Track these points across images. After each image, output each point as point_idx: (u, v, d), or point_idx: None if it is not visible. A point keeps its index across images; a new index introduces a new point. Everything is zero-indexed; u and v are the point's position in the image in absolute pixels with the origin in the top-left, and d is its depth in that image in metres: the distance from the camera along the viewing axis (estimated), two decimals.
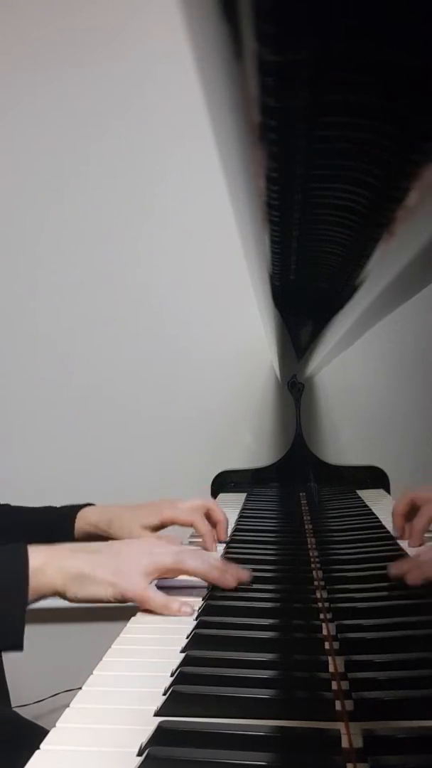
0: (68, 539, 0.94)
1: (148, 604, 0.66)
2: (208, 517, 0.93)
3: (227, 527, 0.96)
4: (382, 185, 0.28)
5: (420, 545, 0.86)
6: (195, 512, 0.91)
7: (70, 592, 0.66)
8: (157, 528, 0.92)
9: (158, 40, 1.51)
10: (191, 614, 0.65)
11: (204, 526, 0.91)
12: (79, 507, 0.97)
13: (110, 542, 0.75)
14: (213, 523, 0.93)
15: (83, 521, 0.95)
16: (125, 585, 0.65)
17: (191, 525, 0.92)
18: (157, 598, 0.66)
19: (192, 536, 0.95)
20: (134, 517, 0.92)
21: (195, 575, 0.69)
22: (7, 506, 1.02)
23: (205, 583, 0.72)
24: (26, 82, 1.62)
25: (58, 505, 0.99)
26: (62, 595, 0.66)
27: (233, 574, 0.69)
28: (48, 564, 0.65)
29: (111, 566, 0.66)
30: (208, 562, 0.69)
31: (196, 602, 0.67)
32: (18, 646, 0.62)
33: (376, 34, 0.19)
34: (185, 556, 0.69)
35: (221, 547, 0.90)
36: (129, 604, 0.67)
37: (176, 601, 0.66)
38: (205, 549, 0.90)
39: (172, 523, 0.92)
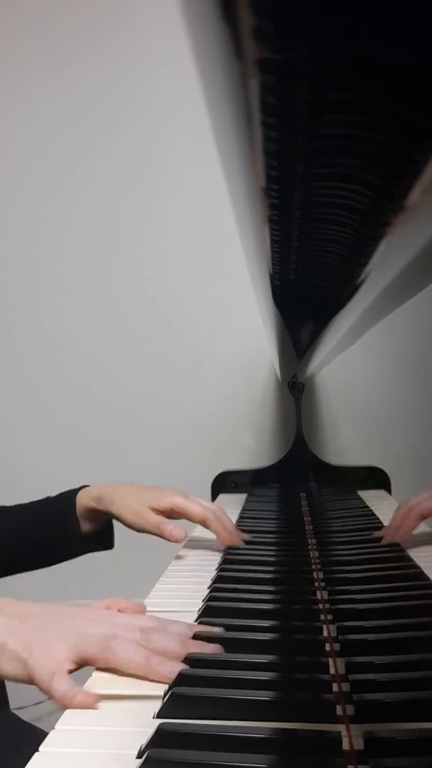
0: (72, 521, 0.94)
1: (49, 694, 0.51)
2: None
3: (238, 534, 0.92)
4: (383, 184, 0.28)
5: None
6: (208, 510, 0.89)
7: None
8: (165, 514, 0.90)
9: (158, 39, 1.51)
10: (91, 707, 0.49)
11: (218, 524, 0.88)
12: (76, 491, 0.97)
13: (45, 608, 0.59)
14: (224, 529, 0.90)
15: (85, 497, 0.95)
16: (35, 665, 0.52)
17: (203, 522, 0.89)
18: (59, 686, 0.50)
19: (192, 539, 0.95)
20: (140, 497, 0.91)
21: (123, 670, 0.52)
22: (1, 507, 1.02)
23: (204, 587, 0.72)
24: (26, 80, 1.62)
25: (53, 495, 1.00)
26: None
27: (172, 664, 0.52)
28: None
29: (28, 639, 0.54)
30: (148, 651, 0.53)
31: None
32: None
33: (377, 33, 0.19)
34: (117, 644, 0.53)
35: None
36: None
37: (81, 693, 0.49)
38: (221, 543, 0.89)
39: (182, 513, 0.89)
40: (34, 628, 0.55)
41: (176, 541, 0.89)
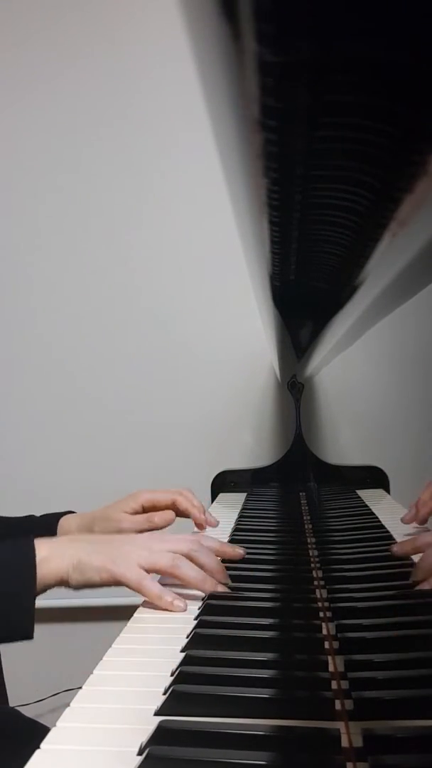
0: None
1: (142, 592, 0.67)
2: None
3: (205, 512, 0.99)
4: (382, 185, 0.28)
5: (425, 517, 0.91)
6: (173, 493, 0.95)
7: (72, 579, 0.68)
8: (139, 512, 0.94)
9: (158, 39, 1.51)
10: (183, 610, 0.66)
11: (185, 501, 0.95)
12: (60, 514, 0.97)
13: (112, 535, 0.77)
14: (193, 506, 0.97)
15: (66, 527, 0.96)
16: (121, 570, 0.67)
17: (172, 504, 0.95)
18: (152, 587, 0.67)
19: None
20: (115, 508, 0.95)
21: (186, 584, 0.69)
22: None
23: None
24: (26, 78, 1.62)
25: (39, 515, 1.00)
26: (66, 583, 0.69)
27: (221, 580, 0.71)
28: (51, 554, 0.68)
29: (107, 553, 0.68)
30: (203, 572, 0.70)
31: (195, 603, 0.67)
32: (28, 635, 0.65)
33: (377, 34, 0.19)
34: (182, 563, 0.69)
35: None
36: (129, 601, 0.69)
37: (170, 594, 0.67)
38: (197, 522, 0.96)
39: (152, 503, 0.95)
40: (110, 545, 0.70)
41: (166, 524, 0.94)
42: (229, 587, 0.71)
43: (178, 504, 0.95)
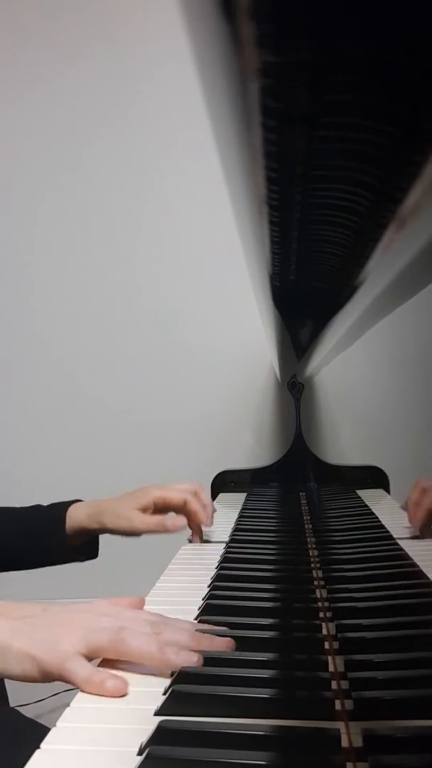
0: (61, 536, 0.95)
1: (69, 679, 0.51)
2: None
3: (213, 513, 0.98)
4: (382, 186, 0.28)
5: (423, 525, 0.91)
6: (186, 492, 0.94)
7: None
8: (152, 509, 0.93)
9: (158, 39, 1.51)
10: (123, 693, 0.49)
11: (196, 504, 0.93)
12: (68, 503, 0.97)
13: (48, 607, 0.58)
14: (202, 504, 0.96)
15: (75, 516, 0.95)
16: (45, 657, 0.51)
17: (183, 504, 0.94)
18: (79, 671, 0.50)
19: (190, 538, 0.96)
20: (126, 503, 0.94)
21: (136, 661, 0.52)
22: None
23: (204, 585, 0.72)
24: (26, 78, 1.62)
25: (45, 504, 1.00)
26: None
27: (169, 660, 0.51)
28: None
29: (34, 636, 0.53)
30: (160, 641, 0.52)
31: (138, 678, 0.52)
32: None
33: (377, 34, 0.19)
34: (128, 635, 0.53)
35: (216, 548, 0.90)
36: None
37: (103, 673, 0.50)
38: (200, 524, 0.95)
39: (164, 502, 0.94)
40: (39, 627, 0.54)
41: (178, 530, 0.92)
42: (229, 588, 0.71)
43: (189, 505, 0.94)
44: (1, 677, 0.56)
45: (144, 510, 0.93)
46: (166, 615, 0.60)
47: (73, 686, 0.50)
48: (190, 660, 0.50)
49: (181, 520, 0.93)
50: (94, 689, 0.49)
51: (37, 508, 1.00)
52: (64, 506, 0.97)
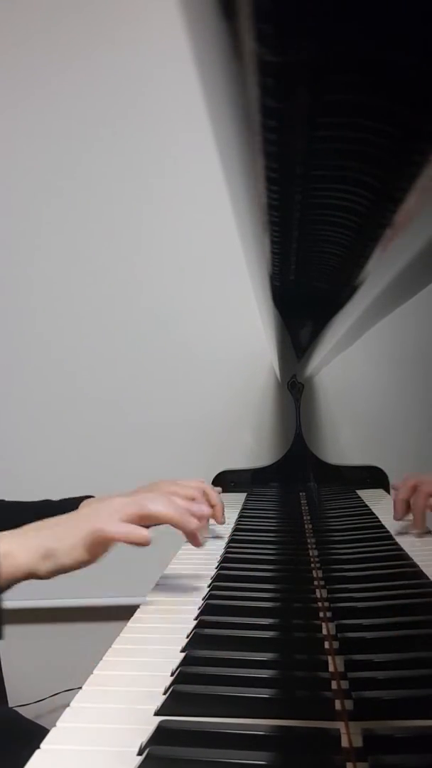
0: None
1: (104, 534, 0.64)
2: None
3: (223, 510, 0.98)
4: (382, 186, 0.28)
5: (423, 526, 0.90)
6: (196, 490, 0.92)
7: (40, 570, 0.64)
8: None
9: (158, 39, 1.51)
10: (148, 541, 0.65)
11: (182, 523, 0.91)
12: (79, 499, 0.96)
13: (75, 511, 0.73)
14: (209, 506, 0.94)
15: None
16: (88, 537, 0.64)
17: (169, 522, 0.92)
18: (111, 525, 0.64)
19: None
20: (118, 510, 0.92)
21: (161, 519, 0.68)
22: (1, 501, 1.02)
23: (204, 585, 0.72)
24: (26, 77, 1.62)
25: (55, 500, 0.99)
26: (34, 575, 0.65)
27: (198, 514, 0.69)
28: (13, 548, 0.64)
29: (76, 533, 0.65)
30: (174, 503, 0.68)
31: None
32: None
33: (376, 34, 0.19)
34: (146, 501, 0.67)
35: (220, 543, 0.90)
36: (130, 601, 0.66)
37: (131, 525, 0.65)
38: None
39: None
40: (76, 523, 0.66)
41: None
42: (228, 588, 0.71)
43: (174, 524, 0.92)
44: (58, 573, 0.64)
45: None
46: (166, 616, 0.62)
47: (109, 538, 0.64)
48: (201, 510, 0.67)
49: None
50: (124, 531, 0.64)
51: (46, 503, 0.99)
52: (75, 501, 0.96)
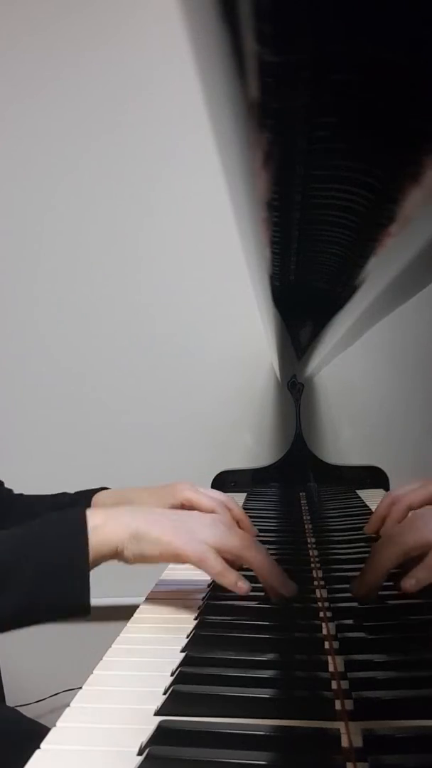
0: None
1: (204, 567, 0.64)
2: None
3: (250, 524, 0.91)
4: (382, 186, 0.28)
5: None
6: (217, 502, 0.86)
7: (127, 550, 0.64)
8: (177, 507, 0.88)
9: (158, 39, 1.51)
10: (247, 591, 0.64)
11: (227, 517, 0.84)
12: (94, 491, 0.96)
13: (177, 510, 0.73)
14: (235, 520, 0.87)
15: (100, 505, 0.92)
16: (181, 544, 0.63)
17: (212, 512, 0.85)
18: (215, 564, 0.63)
19: None
20: (155, 499, 0.89)
21: (254, 570, 0.65)
22: (19, 495, 1.01)
23: (204, 585, 0.72)
24: (26, 78, 1.62)
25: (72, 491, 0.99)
26: (121, 555, 0.65)
27: (290, 586, 0.65)
28: (107, 522, 0.65)
29: (170, 526, 0.65)
30: (272, 561, 0.65)
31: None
32: (84, 609, 0.61)
33: (377, 34, 0.19)
34: (251, 546, 0.65)
35: None
36: (129, 601, 0.66)
37: (234, 573, 0.64)
38: None
39: (191, 506, 0.87)
40: (174, 518, 0.66)
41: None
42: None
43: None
44: (141, 560, 0.65)
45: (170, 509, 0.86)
46: (166, 616, 0.62)
47: (208, 575, 0.64)
48: (284, 590, 0.64)
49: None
50: (227, 582, 0.63)
51: (62, 496, 0.99)
52: (90, 493, 0.96)
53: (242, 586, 0.63)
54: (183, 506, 0.87)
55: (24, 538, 0.64)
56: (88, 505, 0.92)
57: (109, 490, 0.96)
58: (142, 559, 0.65)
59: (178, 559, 0.64)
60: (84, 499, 0.94)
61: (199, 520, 0.68)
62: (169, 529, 0.64)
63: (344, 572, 0.75)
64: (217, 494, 0.90)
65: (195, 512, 0.73)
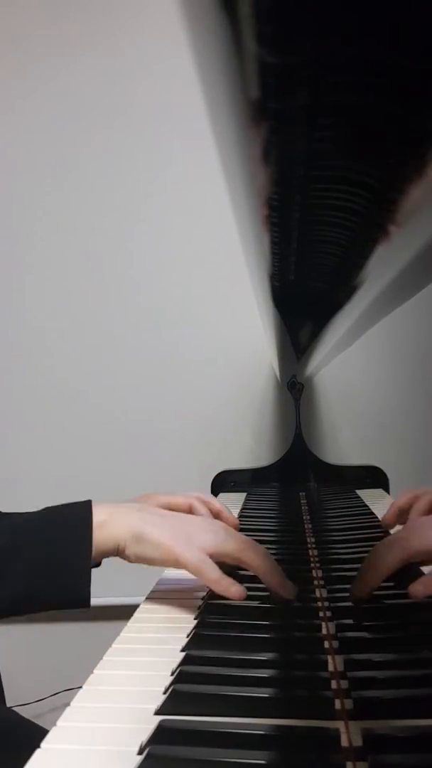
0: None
1: (201, 575, 0.64)
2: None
3: (230, 515, 0.91)
4: (382, 186, 0.28)
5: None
6: (191, 498, 0.86)
7: (129, 549, 0.65)
8: None
9: (157, 40, 1.51)
10: (242, 596, 0.64)
11: (203, 508, 0.85)
12: (80, 504, 0.95)
13: (180, 514, 0.73)
14: (213, 513, 0.87)
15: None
16: (180, 551, 0.64)
17: (189, 509, 0.85)
18: (211, 572, 0.64)
19: None
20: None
21: (254, 571, 0.66)
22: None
23: (203, 588, 0.72)
24: (26, 77, 1.62)
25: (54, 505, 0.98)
26: (122, 552, 0.66)
27: (289, 587, 0.66)
28: (111, 519, 0.66)
29: (170, 531, 0.65)
30: (272, 562, 0.66)
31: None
32: (83, 600, 0.62)
33: (377, 34, 0.19)
34: (249, 548, 0.66)
35: None
36: (129, 601, 0.66)
37: (228, 579, 0.64)
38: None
39: (169, 507, 0.84)
40: (175, 522, 0.67)
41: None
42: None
43: (195, 510, 0.85)
44: (142, 560, 0.66)
45: None
46: (166, 616, 0.62)
47: (204, 583, 0.65)
48: (285, 592, 0.64)
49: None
50: (221, 589, 0.64)
51: (45, 512, 0.98)
52: (76, 507, 0.94)
53: (235, 592, 0.64)
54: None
55: (28, 524, 0.66)
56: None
57: (96, 502, 0.95)
58: (142, 560, 0.66)
59: (177, 564, 0.65)
60: (70, 511, 0.94)
61: (199, 525, 0.68)
62: (169, 534, 0.65)
63: (344, 572, 0.75)
64: (188, 493, 0.89)
65: (195, 517, 0.73)
